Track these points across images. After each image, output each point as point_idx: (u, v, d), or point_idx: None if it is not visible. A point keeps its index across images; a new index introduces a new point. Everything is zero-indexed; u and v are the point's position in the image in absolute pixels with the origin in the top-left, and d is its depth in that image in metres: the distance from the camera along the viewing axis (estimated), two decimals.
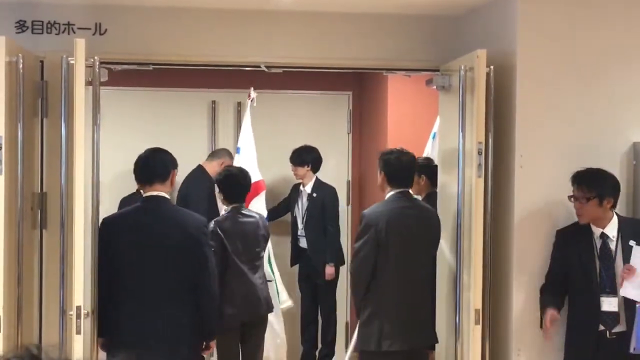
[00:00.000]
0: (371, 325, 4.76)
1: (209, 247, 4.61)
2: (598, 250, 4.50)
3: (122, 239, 4.53)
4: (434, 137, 6.73)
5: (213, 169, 6.82)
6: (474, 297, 4.70)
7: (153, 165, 4.62)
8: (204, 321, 4.59)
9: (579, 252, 4.53)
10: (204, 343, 4.69)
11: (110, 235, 4.54)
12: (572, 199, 4.52)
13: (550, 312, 4.56)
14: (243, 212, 5.56)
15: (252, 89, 6.74)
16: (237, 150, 6.70)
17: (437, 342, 5.04)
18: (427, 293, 4.91)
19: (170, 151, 4.78)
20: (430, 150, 6.72)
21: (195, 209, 5.34)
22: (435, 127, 6.72)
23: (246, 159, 6.46)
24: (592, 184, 4.46)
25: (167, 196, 4.64)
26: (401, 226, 4.75)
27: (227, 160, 6.89)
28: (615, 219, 4.53)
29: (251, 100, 6.72)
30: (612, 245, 4.49)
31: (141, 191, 4.89)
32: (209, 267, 4.56)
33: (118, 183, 6.85)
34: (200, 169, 6.87)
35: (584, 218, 4.52)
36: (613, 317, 4.44)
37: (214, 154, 7.03)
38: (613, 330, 4.45)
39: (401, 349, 4.71)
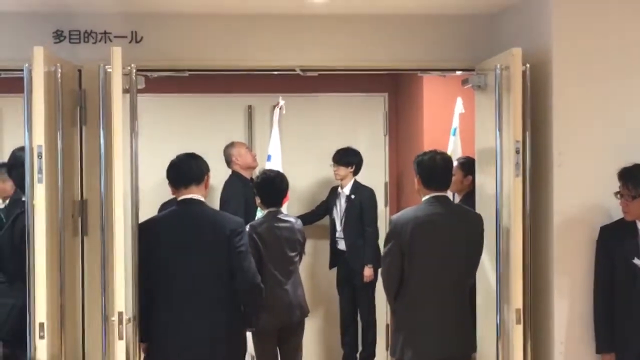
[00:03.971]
0: (397, 334, 4.76)
1: (245, 247, 4.61)
2: None
3: (158, 243, 4.57)
4: (454, 133, 6.73)
5: (238, 167, 6.86)
6: (514, 296, 4.66)
7: (188, 168, 4.65)
8: (246, 316, 4.69)
9: (622, 248, 4.49)
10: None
11: (146, 239, 4.58)
12: (619, 195, 4.48)
13: (608, 358, 4.59)
14: (279, 216, 5.56)
15: (280, 97, 6.76)
16: (268, 157, 6.75)
17: (473, 351, 4.93)
18: (461, 303, 4.74)
19: (207, 156, 4.81)
20: (452, 147, 6.71)
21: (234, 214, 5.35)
22: (454, 122, 6.71)
23: (276, 167, 6.51)
24: (638, 182, 4.41)
25: (202, 199, 4.67)
26: (427, 234, 4.66)
27: (235, 152, 6.90)
28: None
29: (280, 108, 6.75)
30: None
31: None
32: (244, 267, 4.56)
33: (157, 189, 6.88)
34: (234, 174, 6.90)
35: (630, 215, 4.48)
36: None
37: (226, 160, 6.98)
38: None
39: (423, 359, 4.67)
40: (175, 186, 4.72)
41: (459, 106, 6.68)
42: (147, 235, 4.59)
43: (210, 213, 4.74)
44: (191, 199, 4.63)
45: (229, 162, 6.90)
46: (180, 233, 4.56)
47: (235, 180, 6.82)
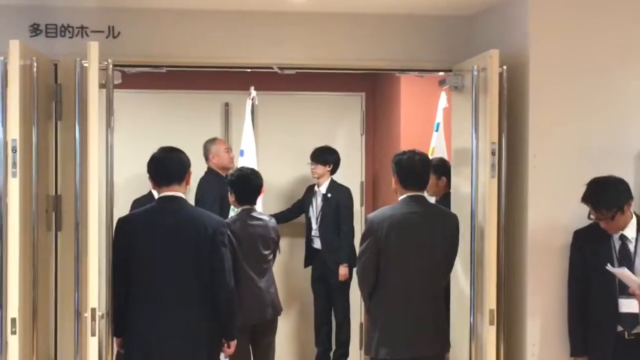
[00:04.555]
0: (372, 332, 4.77)
1: (225, 247, 4.62)
2: (617, 252, 4.46)
3: (138, 239, 4.54)
4: (437, 129, 6.74)
5: (214, 165, 6.84)
6: (488, 297, 4.69)
7: (170, 166, 4.63)
8: (223, 320, 4.61)
9: (597, 253, 4.49)
10: (225, 343, 4.73)
11: (126, 234, 4.56)
12: (594, 219, 4.42)
13: None
14: (253, 214, 5.54)
15: (252, 88, 6.75)
16: (241, 153, 6.71)
17: (447, 351, 4.95)
18: (436, 302, 4.76)
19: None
20: (435, 142, 6.71)
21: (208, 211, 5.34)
22: (438, 117, 6.71)
23: (249, 162, 6.49)
24: (609, 203, 4.36)
25: (183, 196, 4.65)
26: (403, 233, 4.67)
27: (213, 150, 6.88)
28: (634, 220, 4.48)
29: (252, 99, 6.73)
30: (631, 247, 4.45)
31: (153, 192, 4.96)
32: (224, 267, 4.57)
33: (131, 185, 6.87)
34: (209, 171, 6.88)
35: (613, 231, 4.46)
36: (633, 318, 4.41)
37: (204, 155, 6.99)
38: (633, 331, 4.42)
39: (396, 357, 4.68)
40: (156, 183, 4.70)
41: (443, 101, 6.67)
42: (126, 230, 4.57)
43: (192, 211, 4.73)
44: (172, 196, 4.61)
45: (206, 157, 6.89)
46: (161, 230, 4.54)
47: (210, 178, 6.80)
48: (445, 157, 6.45)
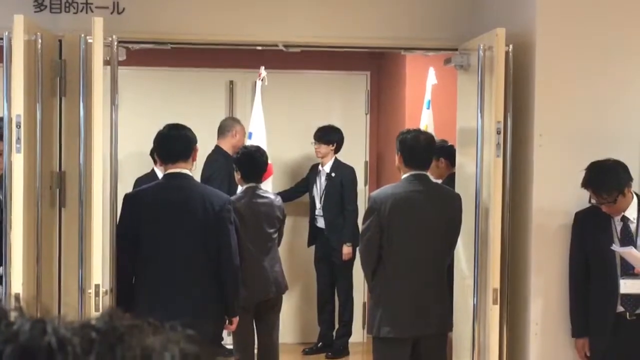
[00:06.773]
0: (374, 311, 4.78)
1: (231, 224, 4.64)
2: (619, 233, 4.46)
3: (145, 215, 4.56)
4: (428, 106, 6.70)
5: (228, 143, 6.83)
6: (492, 276, 4.69)
7: (177, 143, 4.63)
8: (227, 296, 4.64)
9: (598, 235, 4.48)
10: (228, 320, 4.75)
11: (133, 210, 4.57)
12: (596, 203, 4.41)
13: (582, 342, 4.59)
14: (258, 192, 5.54)
15: (262, 67, 6.72)
16: (249, 135, 6.69)
17: (449, 330, 4.97)
18: (438, 280, 4.77)
19: None
20: (426, 120, 6.67)
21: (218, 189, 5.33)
22: (427, 94, 6.67)
23: (258, 144, 6.47)
24: (611, 187, 4.34)
25: (189, 173, 4.66)
26: (406, 211, 4.68)
27: (238, 129, 6.87)
28: (635, 200, 4.47)
29: (262, 79, 6.69)
30: (633, 227, 4.45)
31: (154, 169, 4.95)
32: (232, 244, 4.59)
33: (134, 162, 6.87)
34: (217, 150, 6.87)
35: (616, 213, 4.45)
36: (636, 299, 4.41)
37: (222, 129, 6.96)
38: (636, 312, 4.42)
39: (399, 336, 4.69)
40: (162, 160, 4.72)
41: (432, 77, 6.62)
42: (133, 205, 4.59)
43: (198, 188, 4.75)
44: (178, 174, 4.62)
45: (225, 132, 6.84)
46: (168, 207, 4.55)
47: (218, 157, 6.78)
48: (434, 134, 6.43)
